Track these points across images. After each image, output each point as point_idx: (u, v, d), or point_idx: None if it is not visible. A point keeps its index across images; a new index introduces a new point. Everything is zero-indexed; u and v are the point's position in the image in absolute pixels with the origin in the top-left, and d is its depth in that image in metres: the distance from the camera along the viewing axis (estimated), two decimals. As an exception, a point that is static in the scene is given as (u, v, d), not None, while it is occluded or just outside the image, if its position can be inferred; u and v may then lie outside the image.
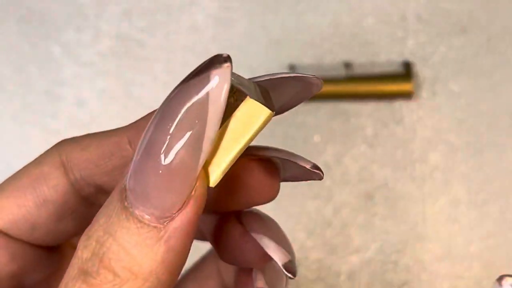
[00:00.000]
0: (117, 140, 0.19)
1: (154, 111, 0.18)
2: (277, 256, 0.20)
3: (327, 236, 0.38)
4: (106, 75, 0.41)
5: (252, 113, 0.16)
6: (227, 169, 0.16)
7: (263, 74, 0.17)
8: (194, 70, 0.15)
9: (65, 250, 0.22)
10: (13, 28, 0.42)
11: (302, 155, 0.19)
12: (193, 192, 0.15)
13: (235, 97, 0.16)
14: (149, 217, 0.15)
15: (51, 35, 0.42)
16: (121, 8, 0.42)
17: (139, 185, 0.15)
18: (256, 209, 0.22)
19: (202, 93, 0.15)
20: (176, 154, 0.15)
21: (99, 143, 0.19)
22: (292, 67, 0.39)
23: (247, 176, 0.19)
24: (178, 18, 0.41)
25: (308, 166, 0.18)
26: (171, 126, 0.15)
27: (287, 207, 0.38)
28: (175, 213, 0.15)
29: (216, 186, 0.16)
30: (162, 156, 0.15)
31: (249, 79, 0.17)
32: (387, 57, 0.39)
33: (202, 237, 0.22)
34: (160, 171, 0.15)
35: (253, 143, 0.17)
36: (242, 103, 0.16)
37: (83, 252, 0.15)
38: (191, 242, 0.16)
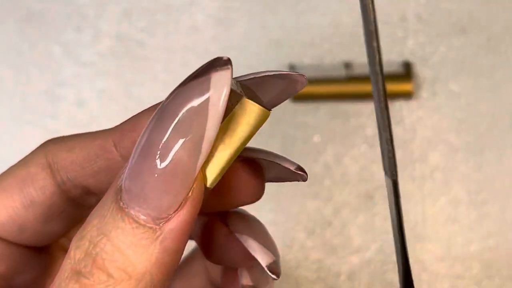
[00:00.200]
0: (102, 143, 0.19)
1: (141, 112, 0.18)
2: (261, 257, 0.20)
3: (327, 236, 0.38)
4: (106, 75, 0.41)
5: (248, 114, 0.16)
6: (225, 170, 0.16)
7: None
8: (194, 73, 0.15)
9: (54, 250, 0.22)
10: (13, 28, 0.42)
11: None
12: (190, 194, 0.15)
13: (231, 98, 0.16)
14: (144, 218, 0.15)
15: (51, 35, 0.42)
16: (121, 8, 0.42)
17: (135, 186, 0.15)
18: (241, 210, 0.22)
19: (202, 96, 0.15)
20: (174, 155, 0.15)
21: (84, 145, 0.19)
22: (292, 67, 0.39)
23: (231, 177, 0.19)
24: (178, 18, 0.41)
25: (292, 168, 0.18)
26: (169, 127, 0.15)
27: (287, 207, 0.38)
28: (171, 214, 0.15)
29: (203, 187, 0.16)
30: (159, 157, 0.15)
31: (234, 78, 0.17)
32: (387, 57, 0.39)
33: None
34: (157, 172, 0.15)
35: (250, 143, 0.17)
36: (238, 104, 0.16)
37: (76, 252, 0.15)
38: (186, 242, 0.16)
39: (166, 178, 0.15)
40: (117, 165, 0.19)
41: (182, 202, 0.15)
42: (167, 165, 0.15)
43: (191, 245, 0.24)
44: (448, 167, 0.38)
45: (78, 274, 0.15)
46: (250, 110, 0.16)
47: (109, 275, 0.15)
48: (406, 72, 0.38)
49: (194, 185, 0.15)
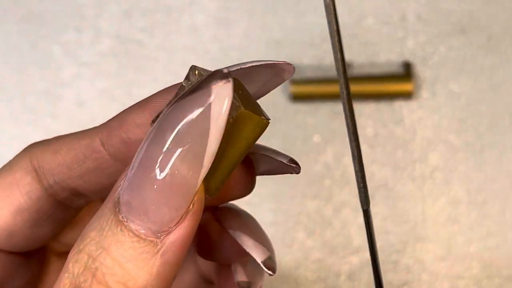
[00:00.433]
0: (89, 143, 0.18)
1: (128, 109, 0.18)
2: (256, 253, 0.20)
3: (327, 236, 0.38)
4: (106, 75, 0.41)
5: (247, 124, 0.16)
6: (226, 181, 0.16)
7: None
8: (194, 85, 0.15)
9: (44, 254, 0.22)
10: (13, 28, 0.42)
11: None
12: (191, 206, 0.15)
13: (231, 109, 0.15)
14: (145, 231, 0.15)
15: (51, 35, 0.42)
16: (121, 8, 0.42)
17: (135, 199, 0.15)
18: (232, 204, 0.21)
19: (203, 108, 0.14)
20: (175, 168, 0.14)
21: (70, 146, 0.19)
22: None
23: None
24: (178, 18, 0.41)
25: (285, 161, 0.18)
26: (168, 139, 0.14)
27: (287, 207, 0.38)
28: (172, 227, 0.15)
29: None
30: (159, 170, 0.14)
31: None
32: (387, 57, 0.39)
33: None
34: (158, 185, 0.14)
35: None
36: (237, 114, 0.16)
37: (74, 266, 0.15)
38: (186, 254, 0.16)
39: (167, 191, 0.14)
40: (105, 164, 0.18)
41: (183, 215, 0.15)
42: (167, 178, 0.14)
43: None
44: (448, 167, 0.38)
45: None
46: (249, 120, 0.16)
47: None
48: (406, 72, 0.38)
49: (195, 198, 0.15)
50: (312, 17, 0.40)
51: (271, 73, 0.17)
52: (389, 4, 0.40)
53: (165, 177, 0.14)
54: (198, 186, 0.15)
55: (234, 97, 0.16)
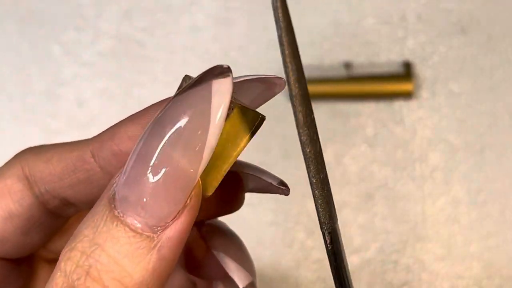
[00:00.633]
0: (80, 154, 0.18)
1: (119, 123, 0.18)
2: (238, 278, 0.19)
3: (327, 236, 0.38)
4: (106, 75, 0.41)
5: (244, 120, 0.16)
6: (222, 177, 0.16)
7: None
8: (193, 80, 0.15)
9: (33, 261, 0.21)
10: (13, 28, 0.42)
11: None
12: (188, 201, 0.15)
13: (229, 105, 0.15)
14: (141, 226, 0.14)
15: (51, 35, 0.42)
16: (121, 8, 0.42)
17: (132, 193, 0.14)
18: (220, 222, 0.21)
19: (203, 103, 0.14)
20: (175, 162, 0.14)
21: (61, 156, 0.19)
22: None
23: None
24: (178, 18, 0.41)
25: (275, 183, 0.18)
26: (167, 133, 0.14)
27: (287, 207, 0.38)
28: (169, 222, 0.15)
29: None
30: (157, 165, 0.14)
31: None
32: (387, 57, 0.39)
33: None
34: (156, 180, 0.14)
35: (250, 146, 0.17)
36: (234, 111, 0.16)
37: (67, 264, 0.15)
38: (181, 251, 0.15)
39: (166, 185, 0.14)
40: (96, 177, 0.18)
41: (180, 210, 0.15)
42: (167, 171, 0.14)
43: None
44: (448, 167, 0.38)
45: (71, 287, 0.14)
46: (246, 116, 0.16)
47: (105, 287, 0.14)
48: (406, 72, 0.38)
49: (193, 193, 0.15)
50: (312, 17, 0.40)
51: (262, 87, 0.17)
52: (389, 4, 0.40)
53: (164, 170, 0.14)
54: (197, 179, 0.15)
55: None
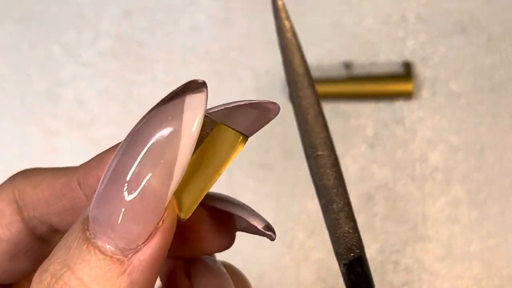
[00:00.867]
0: (67, 181, 0.18)
1: (107, 150, 0.17)
2: None
3: (327, 236, 0.38)
4: (106, 75, 0.41)
5: (225, 140, 0.15)
6: (200, 200, 0.15)
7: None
8: (168, 95, 0.14)
9: (22, 286, 0.21)
10: (13, 28, 0.42)
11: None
12: (160, 223, 0.14)
13: (205, 124, 0.15)
14: (112, 249, 0.14)
15: (51, 35, 0.42)
16: (121, 8, 0.42)
17: (102, 214, 0.14)
18: (209, 259, 0.20)
19: (175, 119, 0.14)
20: (144, 182, 0.14)
21: (49, 181, 0.18)
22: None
23: (199, 226, 0.18)
24: (178, 18, 0.41)
25: (260, 227, 0.18)
26: (140, 153, 0.14)
27: (287, 207, 0.38)
28: (140, 245, 0.14)
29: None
30: (128, 184, 0.14)
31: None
32: (387, 57, 0.39)
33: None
34: (126, 200, 0.14)
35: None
36: (214, 129, 0.15)
37: (38, 286, 0.14)
38: (156, 276, 0.15)
39: (135, 206, 0.14)
40: (81, 205, 0.18)
41: (152, 232, 0.14)
42: (136, 192, 0.14)
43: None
44: (448, 167, 0.38)
45: None
46: (226, 135, 0.15)
47: None
48: (406, 72, 0.38)
49: (165, 214, 0.14)
50: (312, 17, 0.40)
51: (256, 113, 0.17)
52: (389, 4, 0.40)
53: (134, 190, 0.14)
54: (168, 200, 0.14)
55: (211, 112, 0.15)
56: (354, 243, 0.16)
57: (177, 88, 0.14)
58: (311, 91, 0.13)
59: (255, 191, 0.39)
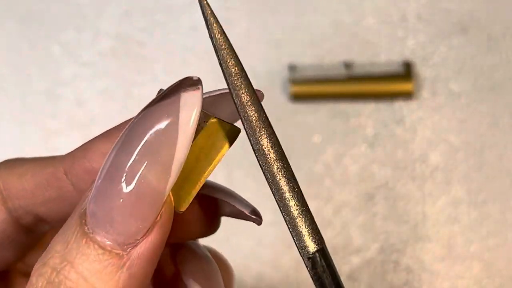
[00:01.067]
0: (53, 171, 0.18)
1: (93, 139, 0.17)
2: None
3: (327, 236, 0.38)
4: (106, 75, 0.41)
5: (219, 133, 0.16)
6: (196, 192, 0.16)
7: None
8: (163, 93, 0.15)
9: (10, 276, 0.21)
10: (13, 28, 0.42)
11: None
12: (158, 218, 0.14)
13: (200, 118, 0.15)
14: (111, 243, 0.14)
15: (51, 35, 0.42)
16: (121, 8, 0.42)
17: (101, 210, 0.14)
18: (194, 244, 0.20)
19: (171, 116, 0.14)
20: (142, 178, 0.14)
21: (35, 172, 0.18)
22: (292, 67, 0.39)
23: (186, 210, 0.18)
24: (178, 18, 0.41)
25: (246, 212, 0.18)
26: (136, 148, 0.14)
27: (287, 207, 0.38)
28: (139, 239, 0.14)
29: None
30: (126, 179, 0.14)
31: None
32: (387, 57, 0.39)
33: None
34: (124, 195, 0.14)
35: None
36: (208, 123, 0.15)
37: (38, 280, 0.14)
38: (154, 269, 0.15)
39: (133, 201, 0.14)
40: (68, 194, 0.18)
41: (150, 227, 0.14)
42: (134, 187, 0.14)
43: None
44: (448, 167, 0.38)
45: None
46: (220, 128, 0.16)
47: None
48: (406, 72, 0.38)
49: (163, 209, 0.14)
50: (312, 17, 0.40)
51: None
52: (389, 4, 0.40)
53: (131, 186, 0.14)
54: (166, 196, 0.14)
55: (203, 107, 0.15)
56: (315, 237, 0.16)
57: (173, 85, 0.15)
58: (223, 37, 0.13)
59: (255, 191, 0.39)
